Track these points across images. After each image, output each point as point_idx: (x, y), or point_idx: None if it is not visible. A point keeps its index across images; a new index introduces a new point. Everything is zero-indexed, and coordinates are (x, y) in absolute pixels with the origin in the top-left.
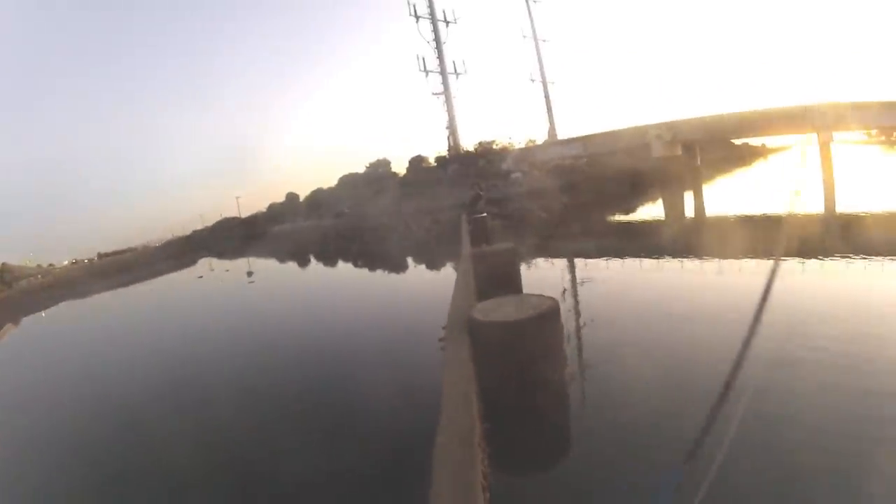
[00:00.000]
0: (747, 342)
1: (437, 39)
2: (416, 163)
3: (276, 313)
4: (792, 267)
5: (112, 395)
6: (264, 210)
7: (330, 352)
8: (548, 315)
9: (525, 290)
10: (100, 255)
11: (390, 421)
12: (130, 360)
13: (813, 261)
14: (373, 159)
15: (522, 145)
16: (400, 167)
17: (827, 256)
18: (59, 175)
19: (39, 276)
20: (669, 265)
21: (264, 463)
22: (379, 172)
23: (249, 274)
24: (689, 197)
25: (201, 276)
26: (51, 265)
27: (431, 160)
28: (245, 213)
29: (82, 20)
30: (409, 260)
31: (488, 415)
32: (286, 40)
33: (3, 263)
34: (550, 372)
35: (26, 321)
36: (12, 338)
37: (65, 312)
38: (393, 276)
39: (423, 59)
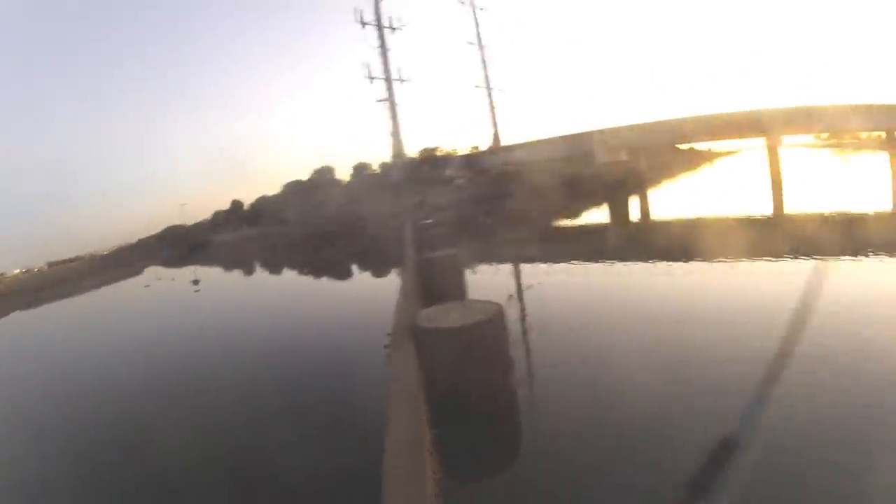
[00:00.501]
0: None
1: (382, 46)
2: (360, 169)
3: (221, 319)
4: (752, 268)
5: (55, 405)
6: (209, 218)
7: (272, 357)
8: (493, 320)
9: (470, 296)
10: (49, 264)
11: (333, 430)
12: (78, 370)
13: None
14: (318, 166)
15: (467, 152)
16: (345, 174)
17: (777, 257)
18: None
19: None
20: (614, 269)
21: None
22: (324, 179)
23: (195, 282)
24: (634, 201)
25: (148, 285)
26: (1, 274)
27: (375, 167)
28: (191, 221)
29: None
30: (354, 267)
31: (437, 421)
32: (229, 42)
33: None
34: (498, 377)
35: None
36: None
37: (13, 323)
38: (338, 283)
39: (369, 65)
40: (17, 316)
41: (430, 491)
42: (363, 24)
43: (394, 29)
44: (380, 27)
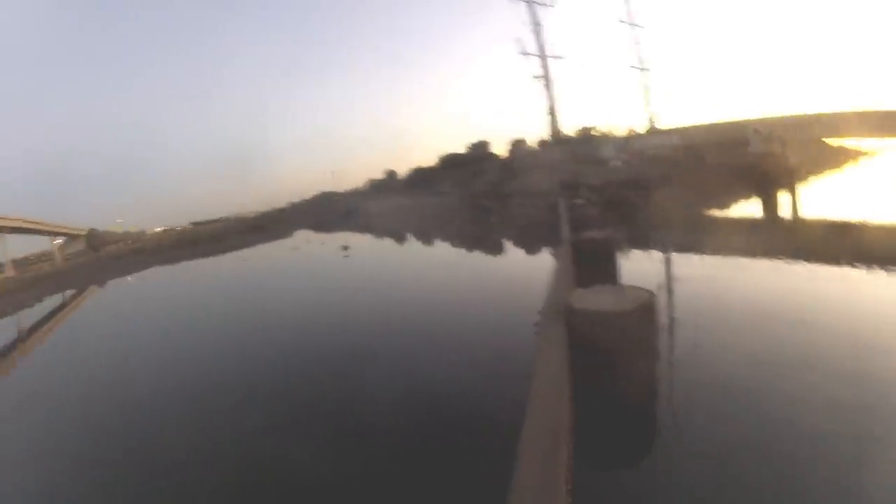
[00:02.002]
0: None
1: (534, 22)
2: (517, 145)
3: (369, 286)
4: None
5: (183, 361)
6: (362, 187)
7: (422, 328)
8: (645, 308)
9: (621, 280)
10: (192, 224)
11: (479, 402)
12: (211, 329)
13: None
14: (474, 140)
15: (622, 133)
16: (501, 149)
17: None
18: (151, 144)
19: (129, 241)
20: (765, 266)
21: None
22: (479, 153)
23: (345, 248)
24: (784, 196)
25: (297, 248)
26: (141, 231)
27: (532, 143)
28: (343, 189)
29: None
30: (507, 243)
31: (580, 404)
32: (391, 20)
33: (91, 229)
34: (644, 367)
35: (112, 284)
36: (94, 300)
37: (151, 278)
38: (489, 257)
39: (522, 41)
40: (156, 271)
41: (563, 474)
42: None
43: (545, 5)
44: (530, 2)
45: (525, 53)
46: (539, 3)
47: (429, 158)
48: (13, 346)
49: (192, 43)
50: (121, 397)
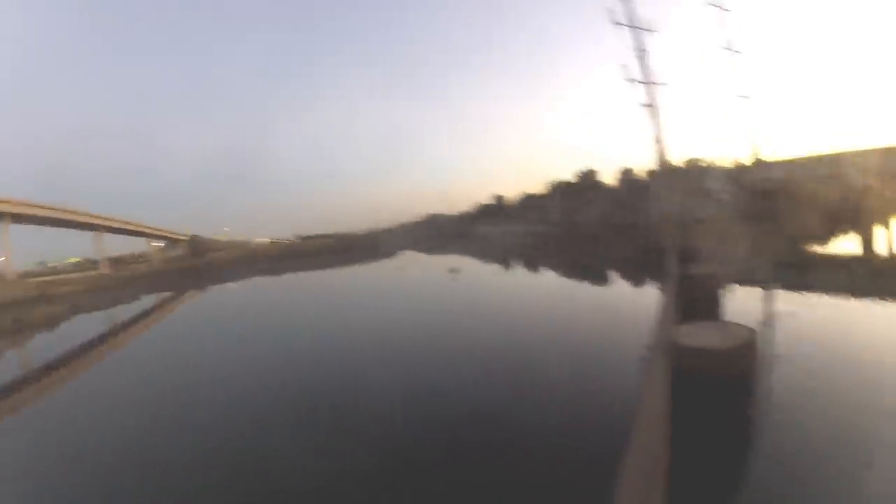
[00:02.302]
0: None
1: (639, 48)
2: (625, 175)
3: (476, 311)
4: None
5: (271, 371)
6: (470, 210)
7: (525, 355)
8: (748, 346)
9: (723, 315)
10: (300, 238)
11: (579, 431)
12: (302, 344)
13: None
14: (580, 165)
15: (727, 164)
16: (609, 177)
17: None
18: (265, 158)
19: (233, 250)
20: (865, 307)
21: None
22: (588, 182)
23: (453, 270)
24: (882, 231)
25: (402, 268)
26: (247, 241)
27: (638, 172)
28: (449, 208)
29: None
30: (615, 273)
31: (676, 437)
32: (501, 46)
33: (194, 235)
34: (743, 403)
35: (211, 290)
36: (190, 304)
37: (251, 287)
38: (597, 288)
39: (628, 67)
40: (257, 281)
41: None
42: (616, 24)
43: (647, 31)
44: (635, 29)
45: (631, 80)
46: (643, 29)
47: (537, 184)
48: (101, 340)
49: (310, 63)
50: (201, 399)
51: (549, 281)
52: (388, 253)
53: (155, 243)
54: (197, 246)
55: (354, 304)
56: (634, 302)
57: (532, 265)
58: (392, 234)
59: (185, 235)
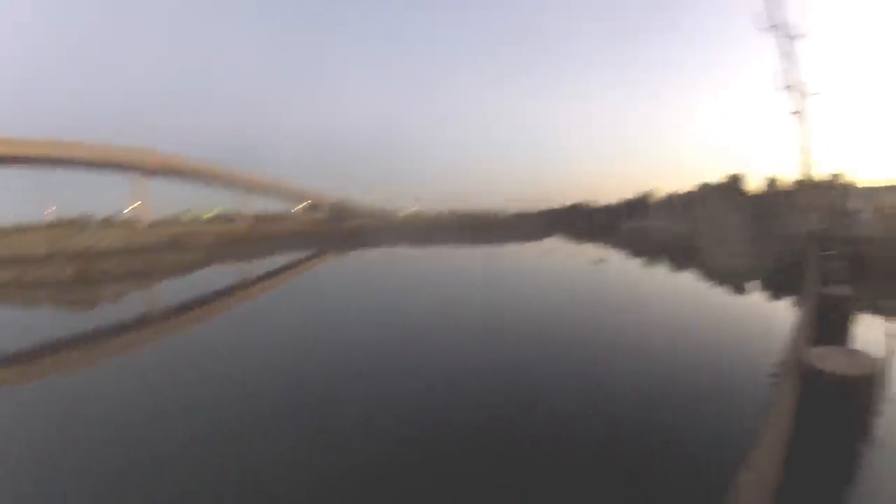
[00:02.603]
0: None
1: (787, 53)
2: (770, 184)
3: (606, 303)
4: None
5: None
6: (614, 202)
7: (651, 354)
8: (878, 375)
9: (853, 341)
10: (453, 212)
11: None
12: (428, 316)
13: None
14: (727, 169)
15: (871, 183)
16: (753, 184)
17: None
18: (414, 133)
19: (376, 218)
20: None
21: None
22: (733, 186)
23: (599, 261)
24: None
25: (547, 252)
26: (392, 211)
27: (782, 182)
28: (593, 199)
29: None
30: (751, 282)
31: (792, 461)
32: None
33: (338, 200)
34: (862, 436)
35: (348, 255)
36: (324, 266)
37: (387, 256)
38: (735, 297)
39: (777, 74)
40: (396, 251)
41: None
42: (761, 28)
43: (797, 37)
44: (783, 34)
45: (780, 87)
46: (791, 36)
47: (682, 184)
48: (228, 292)
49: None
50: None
51: (687, 282)
52: (534, 237)
53: (298, 204)
54: (340, 211)
55: (495, 283)
56: (767, 315)
57: (674, 264)
58: (539, 218)
59: (328, 199)
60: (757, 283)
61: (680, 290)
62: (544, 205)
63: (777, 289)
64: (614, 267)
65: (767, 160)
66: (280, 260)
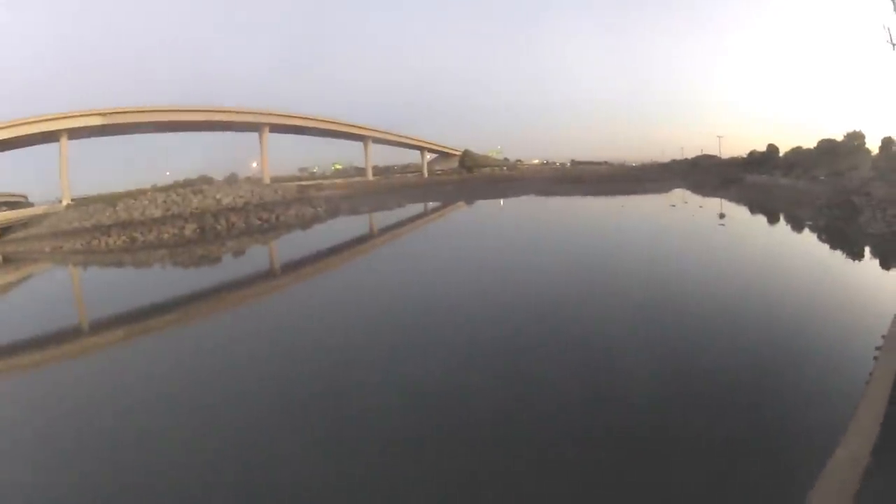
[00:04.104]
0: None
1: None
2: (887, 145)
3: (724, 259)
4: None
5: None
6: (742, 156)
7: (754, 322)
8: None
9: None
10: (573, 162)
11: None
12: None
13: None
14: (846, 127)
15: None
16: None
17: None
18: (539, 83)
19: (504, 168)
20: None
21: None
22: (852, 144)
23: (721, 216)
24: None
25: (674, 205)
26: (518, 161)
27: None
28: (722, 153)
29: None
30: (868, 250)
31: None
32: None
33: (466, 150)
34: None
35: (477, 204)
36: (453, 215)
37: (516, 206)
38: (849, 262)
39: (889, 29)
40: (524, 200)
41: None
42: None
43: None
44: None
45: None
46: None
47: (805, 139)
48: (351, 244)
49: None
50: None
51: (804, 244)
52: (661, 189)
53: (428, 156)
54: (468, 161)
55: (618, 236)
56: (877, 288)
57: (793, 222)
58: (664, 169)
59: (456, 150)
60: (873, 251)
61: (797, 252)
62: (675, 156)
63: (889, 259)
64: (739, 223)
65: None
66: (409, 210)
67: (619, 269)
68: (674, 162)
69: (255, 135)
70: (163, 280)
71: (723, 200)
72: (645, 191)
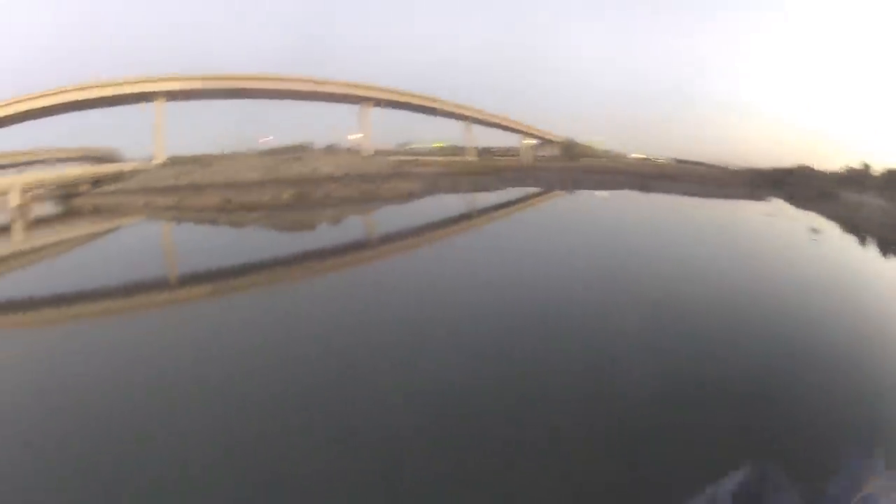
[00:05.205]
0: None
1: None
2: None
3: (820, 277)
4: None
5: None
6: (838, 170)
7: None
8: None
9: None
10: (674, 160)
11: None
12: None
13: None
14: None
15: None
16: None
17: None
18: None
19: (603, 158)
20: None
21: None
22: None
23: (814, 230)
24: None
25: (771, 215)
26: (622, 154)
27: None
28: (818, 165)
29: None
30: None
31: None
32: None
33: (568, 138)
34: None
35: (579, 194)
36: (554, 203)
37: (616, 198)
38: None
39: None
40: (622, 193)
41: None
42: None
43: None
44: None
45: None
46: None
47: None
48: (447, 223)
49: None
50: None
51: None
52: (758, 196)
53: (527, 141)
54: (570, 150)
55: (704, 243)
56: None
57: (885, 246)
58: (761, 175)
59: (559, 137)
60: None
61: (881, 278)
62: (773, 163)
63: None
64: (831, 240)
65: None
66: (508, 194)
67: (709, 280)
68: (774, 170)
69: (355, 107)
70: (254, 242)
71: (817, 216)
72: (741, 196)
